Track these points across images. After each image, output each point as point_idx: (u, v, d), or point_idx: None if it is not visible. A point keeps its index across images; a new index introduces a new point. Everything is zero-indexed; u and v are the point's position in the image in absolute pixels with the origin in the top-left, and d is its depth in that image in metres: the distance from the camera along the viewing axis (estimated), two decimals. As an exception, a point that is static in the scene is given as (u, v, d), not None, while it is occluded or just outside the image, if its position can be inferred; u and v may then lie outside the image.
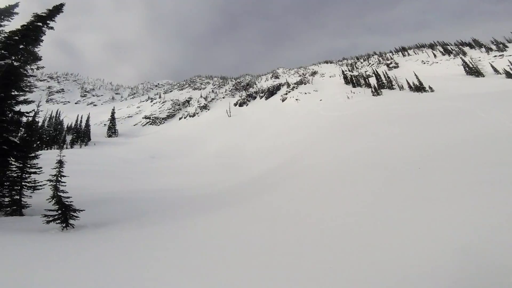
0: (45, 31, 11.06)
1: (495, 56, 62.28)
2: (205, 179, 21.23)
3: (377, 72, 62.49)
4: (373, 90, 52.79)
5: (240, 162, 27.40)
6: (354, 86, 64.17)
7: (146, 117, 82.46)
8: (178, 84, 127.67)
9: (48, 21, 10.92)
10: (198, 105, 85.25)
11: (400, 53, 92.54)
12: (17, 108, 10.86)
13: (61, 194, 8.20)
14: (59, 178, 8.41)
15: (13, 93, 10.52)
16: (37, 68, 11.23)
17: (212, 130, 55.43)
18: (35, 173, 10.93)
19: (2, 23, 10.27)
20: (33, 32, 10.57)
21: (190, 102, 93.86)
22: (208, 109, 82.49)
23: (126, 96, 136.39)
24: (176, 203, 12.61)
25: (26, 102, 11.02)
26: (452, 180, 6.96)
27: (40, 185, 11.25)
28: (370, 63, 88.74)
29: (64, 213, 8.01)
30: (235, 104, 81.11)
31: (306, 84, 78.26)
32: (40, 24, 10.76)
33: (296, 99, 64.00)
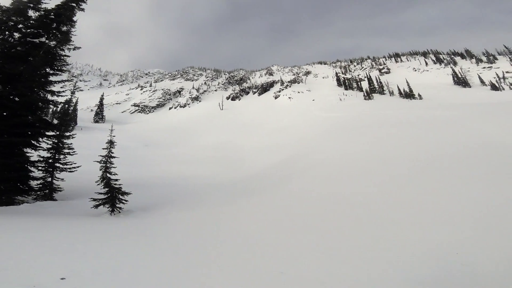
0: (76, 12, 10.96)
1: (484, 67, 64.83)
2: (210, 170, 21.45)
3: (370, 76, 64.28)
4: (365, 94, 54.35)
5: (240, 156, 27.48)
6: (346, 89, 65.63)
7: (135, 105, 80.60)
8: (170, 74, 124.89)
9: (80, 2, 10.81)
10: (190, 96, 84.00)
11: (393, 58, 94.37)
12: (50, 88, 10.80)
13: (110, 176, 8.15)
14: (109, 159, 8.33)
15: (48, 73, 10.48)
16: (74, 49, 11.02)
17: (205, 122, 54.96)
18: (68, 153, 10.70)
19: (42, 0, 10.07)
20: (67, 11, 10.43)
21: (181, 92, 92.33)
22: (200, 101, 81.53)
23: (114, 82, 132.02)
24: (202, 190, 13.13)
25: (63, 81, 10.96)
26: (444, 181, 7.76)
27: (74, 167, 10.84)
28: (363, 67, 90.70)
29: (112, 196, 7.98)
30: (228, 98, 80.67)
31: (299, 83, 79.11)
32: (73, 4, 10.66)
33: (289, 98, 64.62)
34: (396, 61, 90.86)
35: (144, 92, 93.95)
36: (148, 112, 78.44)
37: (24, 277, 3.44)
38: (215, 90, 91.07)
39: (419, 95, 48.57)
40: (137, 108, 79.70)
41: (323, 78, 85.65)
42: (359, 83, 65.03)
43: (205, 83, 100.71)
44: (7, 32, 9.62)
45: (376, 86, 59.35)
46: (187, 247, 5.42)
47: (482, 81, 55.41)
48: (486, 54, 72.73)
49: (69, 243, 5.25)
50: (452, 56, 79.65)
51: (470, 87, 54.93)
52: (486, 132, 15.00)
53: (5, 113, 8.98)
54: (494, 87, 50.53)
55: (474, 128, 16.64)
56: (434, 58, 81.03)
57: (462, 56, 77.74)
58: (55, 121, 10.96)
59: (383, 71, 79.56)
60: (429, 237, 5.07)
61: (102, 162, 8.41)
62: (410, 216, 6.18)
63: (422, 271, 4.03)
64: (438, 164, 10.27)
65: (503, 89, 49.88)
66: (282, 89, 73.35)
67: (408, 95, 50.73)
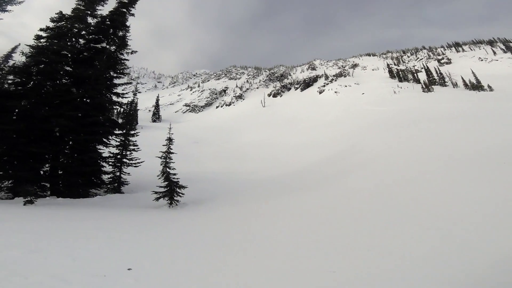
0: (127, 18, 11.91)
1: None
2: (254, 166, 21.71)
3: (427, 67, 57.23)
4: (423, 86, 48.69)
5: (283, 153, 27.15)
6: (400, 81, 59.78)
7: (186, 105, 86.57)
8: (215, 74, 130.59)
9: (130, 8, 11.71)
10: (234, 95, 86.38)
11: (453, 48, 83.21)
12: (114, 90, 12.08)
13: (169, 170, 8.96)
14: (169, 155, 9.17)
15: (112, 76, 11.69)
16: (131, 52, 12.18)
17: (248, 120, 55.84)
18: (134, 150, 12.04)
19: (97, 7, 11.25)
20: (120, 17, 11.44)
21: (226, 91, 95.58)
22: (243, 99, 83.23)
23: (167, 84, 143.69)
24: (247, 186, 13.44)
25: (125, 84, 12.21)
26: None
27: (138, 162, 12.09)
28: (418, 58, 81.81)
29: (171, 190, 8.75)
30: (269, 95, 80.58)
31: (346, 76, 74.73)
32: (124, 10, 11.59)
33: (335, 92, 61.49)
34: (457, 51, 79.92)
35: (193, 92, 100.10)
36: (197, 111, 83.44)
37: (95, 266, 3.73)
38: (257, 88, 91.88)
39: (489, 87, 41.50)
40: (188, 107, 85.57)
41: (373, 70, 79.48)
42: (415, 74, 58.49)
43: (247, 81, 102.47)
44: (73, 39, 10.98)
45: (436, 77, 52.63)
46: (236, 242, 5.51)
47: None
48: None
49: (134, 234, 5.68)
50: None
51: None
52: None
53: (79, 114, 10.26)
54: None
55: None
56: (503, 47, 69.49)
57: None
58: (121, 121, 12.23)
59: (442, 61, 70.59)
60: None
61: (163, 157, 9.20)
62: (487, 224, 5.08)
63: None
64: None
65: None
66: (327, 84, 70.25)
67: (476, 86, 43.94)
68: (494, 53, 68.97)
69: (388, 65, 72.90)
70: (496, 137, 13.03)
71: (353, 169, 13.57)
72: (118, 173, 11.47)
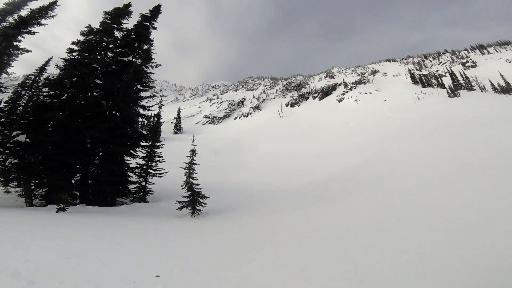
0: (151, 32, 12.49)
1: None
2: (273, 176, 21.68)
3: (452, 71, 54.57)
4: (449, 91, 46.33)
5: (301, 163, 26.85)
6: (424, 86, 57.37)
7: (206, 117, 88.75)
8: (233, 85, 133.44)
9: (152, 21, 12.30)
10: (251, 106, 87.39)
11: (477, 50, 78.63)
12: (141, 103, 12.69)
13: (192, 181, 9.26)
14: (192, 166, 9.48)
15: (139, 89, 12.33)
16: (156, 66, 12.80)
17: (266, 130, 55.95)
18: (159, 161, 12.51)
19: (123, 21, 11.93)
20: (144, 30, 12.04)
21: (244, 102, 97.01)
22: (260, 110, 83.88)
23: (188, 96, 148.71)
24: (266, 196, 13.43)
25: (150, 97, 12.85)
26: None
27: (163, 173, 12.56)
28: (441, 62, 78.35)
29: (193, 199, 9.02)
30: (286, 105, 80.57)
31: (366, 83, 73.08)
32: (147, 23, 12.18)
33: (355, 100, 60.18)
34: (482, 53, 75.19)
35: (212, 104, 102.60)
36: (217, 122, 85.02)
37: (126, 273, 3.78)
38: (274, 98, 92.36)
39: (522, 88, 38.63)
40: (207, 119, 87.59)
41: (394, 76, 77.15)
42: (439, 79, 55.90)
43: (264, 91, 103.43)
44: (102, 52, 11.65)
45: (462, 81, 49.93)
46: (259, 253, 5.45)
47: None
48: None
49: (160, 242, 5.75)
50: None
51: None
52: None
53: (110, 126, 10.78)
54: None
55: None
56: None
57: None
58: (145, 133, 12.75)
59: (467, 65, 66.66)
60: None
61: (186, 168, 9.47)
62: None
63: None
64: None
65: None
66: (346, 92, 69.06)
67: (506, 89, 41.22)
68: None
69: (409, 70, 70.46)
70: None
71: (376, 180, 12.90)
72: (143, 183, 11.84)
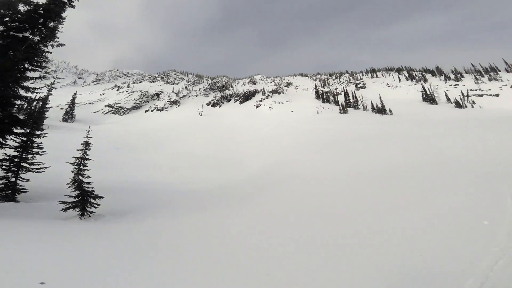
0: (66, 9, 10.49)
1: (451, 85, 67.94)
2: (185, 177, 20.77)
3: (346, 90, 66.77)
4: (341, 108, 56.21)
5: (215, 164, 26.94)
6: (323, 102, 67.59)
7: (109, 106, 77.66)
8: (150, 76, 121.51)
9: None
10: (169, 100, 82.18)
11: (369, 74, 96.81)
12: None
13: (82, 178, 8.03)
14: (83, 162, 8.17)
15: (26, 68, 9.87)
16: (58, 45, 10.46)
17: (182, 128, 53.66)
18: (37, 153, 10.11)
19: None
20: (57, 7, 9.94)
21: (160, 95, 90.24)
22: (179, 105, 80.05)
23: (90, 81, 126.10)
24: (176, 197, 12.81)
25: (40, 78, 10.37)
26: (412, 189, 8.73)
27: (42, 168, 10.14)
28: (341, 81, 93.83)
29: (84, 200, 7.86)
30: (208, 104, 79.99)
31: (280, 94, 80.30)
32: (65, 0, 10.16)
33: (270, 107, 65.34)
34: (372, 77, 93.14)
35: (120, 92, 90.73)
36: (122, 113, 76.26)
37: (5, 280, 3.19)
38: (196, 96, 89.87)
39: (390, 111, 50.94)
40: (111, 109, 76.95)
41: (303, 90, 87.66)
42: (336, 96, 67.25)
43: (185, 87, 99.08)
44: None
45: (352, 100, 61.54)
46: (152, 256, 5.04)
47: (448, 99, 58.24)
48: (454, 72, 76.21)
49: (43, 247, 4.76)
50: (424, 73, 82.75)
51: (436, 104, 57.76)
52: (447, 148, 16.22)
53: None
54: (458, 105, 53.37)
55: (437, 145, 17.79)
56: (407, 75, 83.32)
57: (433, 73, 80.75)
58: (23, 118, 10.30)
59: (359, 86, 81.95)
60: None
61: (75, 164, 8.05)
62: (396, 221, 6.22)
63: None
64: (406, 177, 11.30)
65: (466, 106, 53.31)
66: (264, 99, 74.09)
67: (380, 110, 52.88)
68: (399, 80, 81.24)
69: (316, 86, 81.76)
70: (392, 157, 16.21)
71: (280, 183, 14.61)
72: (13, 179, 9.47)
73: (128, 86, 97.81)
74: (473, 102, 55.07)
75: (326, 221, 7.45)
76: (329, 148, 23.00)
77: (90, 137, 8.61)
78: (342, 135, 29.98)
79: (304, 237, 6.27)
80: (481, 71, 71.14)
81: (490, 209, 6.19)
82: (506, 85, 60.49)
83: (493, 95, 58.00)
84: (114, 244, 5.65)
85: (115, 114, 75.01)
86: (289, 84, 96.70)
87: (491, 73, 67.77)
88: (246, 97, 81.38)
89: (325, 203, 9.48)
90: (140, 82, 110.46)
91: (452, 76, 74.63)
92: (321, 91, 73.63)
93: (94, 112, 73.18)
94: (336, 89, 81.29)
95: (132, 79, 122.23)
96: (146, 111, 77.44)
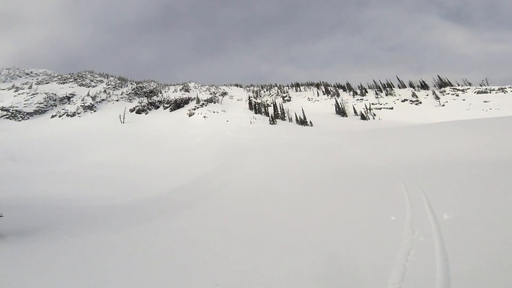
0: None
1: (358, 99, 79.97)
2: (103, 191, 18.23)
3: (275, 102, 71.64)
4: (270, 119, 59.79)
5: (141, 176, 24.15)
6: (256, 113, 70.58)
7: (3, 109, 63.13)
8: (60, 77, 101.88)
9: None
10: (82, 104, 70.83)
11: (294, 88, 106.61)
12: None
13: None
14: None
15: None
16: None
17: (99, 136, 46.73)
18: None
19: None
20: None
21: (71, 99, 77.02)
22: (95, 111, 69.93)
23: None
24: (93, 213, 11.18)
25: None
26: (332, 190, 9.84)
27: None
28: (271, 94, 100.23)
29: None
30: (132, 110, 72.54)
31: (215, 103, 79.84)
32: None
33: (204, 116, 63.95)
34: (296, 90, 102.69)
35: (19, 94, 73.79)
36: (21, 119, 62.99)
37: None
38: (117, 100, 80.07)
39: (311, 122, 57.02)
40: (5, 113, 62.88)
41: (238, 100, 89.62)
42: (266, 108, 71.17)
43: (104, 91, 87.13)
44: None
45: (279, 112, 66.31)
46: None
47: (355, 111, 68.75)
48: (360, 87, 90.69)
49: None
50: (337, 88, 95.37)
51: (347, 116, 68.02)
52: (356, 154, 18.79)
53: None
54: (363, 117, 64.31)
55: (348, 151, 20.50)
56: (324, 90, 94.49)
57: (344, 89, 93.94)
58: None
59: (285, 98, 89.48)
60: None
61: None
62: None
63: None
64: (326, 179, 12.76)
65: (369, 118, 64.60)
66: (198, 107, 72.07)
67: (303, 122, 58.78)
68: (318, 94, 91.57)
69: (249, 97, 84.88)
70: (314, 163, 17.88)
71: (214, 191, 14.00)
72: None
73: (30, 87, 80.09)
74: (374, 115, 67.02)
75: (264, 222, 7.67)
76: (262, 155, 23.93)
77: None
78: (273, 143, 31.66)
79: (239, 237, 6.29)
80: (380, 87, 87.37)
81: (394, 206, 7.24)
82: (398, 99, 76.11)
83: (388, 108, 72.12)
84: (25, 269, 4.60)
85: (11, 119, 61.60)
86: (224, 93, 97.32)
87: (388, 89, 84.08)
88: (177, 104, 77.53)
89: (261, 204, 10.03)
90: (46, 83, 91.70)
91: (358, 91, 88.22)
92: (253, 103, 76.76)
93: (-22, 117, 56.96)
94: (266, 100, 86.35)
95: (37, 79, 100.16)
96: (52, 116, 64.75)
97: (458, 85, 76.97)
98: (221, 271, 4.75)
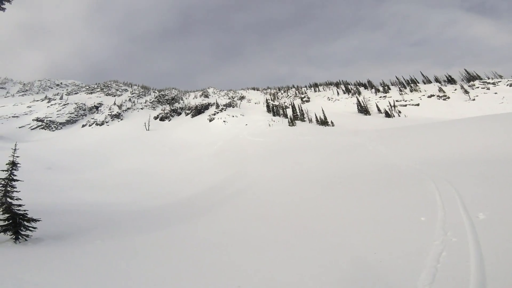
0: None
1: (380, 97, 76.53)
2: (131, 196, 19.22)
3: (293, 104, 71.06)
4: (289, 121, 59.36)
5: (166, 182, 25.21)
6: (274, 115, 70.56)
7: (38, 120, 67.83)
8: (88, 87, 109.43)
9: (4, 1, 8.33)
10: (110, 113, 75.09)
11: (312, 88, 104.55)
12: None
13: (11, 201, 7.50)
14: (11, 183, 7.68)
15: None
16: None
17: (126, 144, 49.27)
18: None
19: None
20: None
21: (99, 108, 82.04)
22: (122, 119, 73.75)
23: (14, 92, 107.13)
24: (122, 218, 12.10)
25: None
26: (354, 192, 9.77)
27: None
28: (288, 95, 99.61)
29: (15, 223, 7.28)
30: (156, 118, 75.65)
31: (234, 107, 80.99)
32: None
33: (224, 121, 65.11)
34: (315, 91, 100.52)
35: (52, 105, 79.75)
36: (54, 129, 67.39)
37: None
38: (141, 108, 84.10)
39: (332, 123, 55.65)
40: (40, 123, 67.42)
41: (255, 103, 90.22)
42: (284, 110, 70.92)
43: (129, 99, 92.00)
44: None
45: (298, 113, 65.59)
46: None
47: (378, 109, 65.73)
48: (382, 84, 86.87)
49: None
50: (358, 86, 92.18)
51: (370, 114, 65.17)
52: (382, 153, 18.14)
53: None
54: (387, 115, 61.14)
55: (373, 151, 19.85)
56: (344, 88, 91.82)
57: (365, 87, 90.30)
58: None
59: (304, 99, 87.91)
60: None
61: (1, 185, 7.50)
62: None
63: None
64: (350, 181, 12.57)
65: (394, 116, 61.63)
66: (218, 112, 73.55)
67: (323, 122, 57.34)
68: (338, 93, 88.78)
69: (266, 100, 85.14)
70: (337, 164, 17.67)
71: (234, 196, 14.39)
72: None
73: (61, 98, 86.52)
74: (399, 112, 63.96)
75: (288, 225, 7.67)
76: (281, 157, 23.96)
77: (18, 156, 7.97)
78: (293, 145, 31.43)
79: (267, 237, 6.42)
80: (404, 83, 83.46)
81: (425, 206, 6.95)
82: (424, 95, 72.16)
83: (414, 105, 68.50)
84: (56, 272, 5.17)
85: (45, 129, 65.86)
86: (242, 97, 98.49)
87: (412, 85, 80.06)
88: (198, 110, 79.65)
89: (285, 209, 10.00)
90: (75, 93, 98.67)
91: (381, 88, 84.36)
92: (271, 105, 76.88)
93: (19, 127, 63.04)
94: (284, 102, 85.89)
95: (67, 90, 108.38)
96: (83, 125, 69.30)
97: (488, 78, 71.51)
98: (242, 276, 5.03)
